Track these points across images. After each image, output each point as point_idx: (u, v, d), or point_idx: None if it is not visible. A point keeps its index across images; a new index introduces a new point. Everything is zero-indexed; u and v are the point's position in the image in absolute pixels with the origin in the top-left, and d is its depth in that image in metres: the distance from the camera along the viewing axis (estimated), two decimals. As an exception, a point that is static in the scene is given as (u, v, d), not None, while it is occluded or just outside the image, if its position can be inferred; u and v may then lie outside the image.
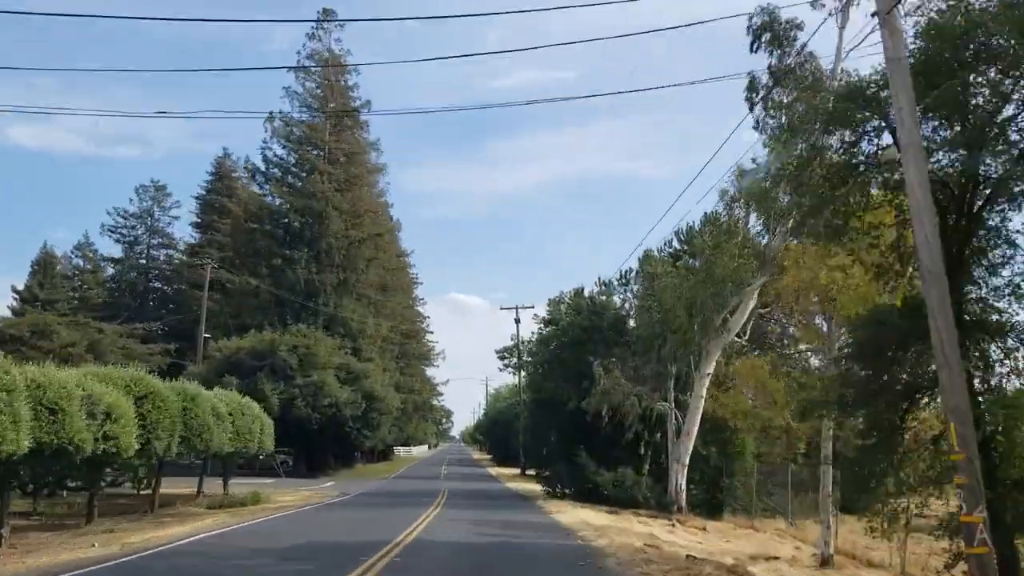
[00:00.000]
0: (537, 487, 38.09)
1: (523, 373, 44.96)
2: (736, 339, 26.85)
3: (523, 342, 36.88)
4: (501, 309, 64.90)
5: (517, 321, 60.62)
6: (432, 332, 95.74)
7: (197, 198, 63.42)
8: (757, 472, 28.12)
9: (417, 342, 75.10)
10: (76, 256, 62.03)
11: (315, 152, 58.08)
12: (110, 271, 63.46)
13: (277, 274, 54.92)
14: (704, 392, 26.56)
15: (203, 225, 63.87)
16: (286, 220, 56.21)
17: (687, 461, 26.86)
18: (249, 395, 47.09)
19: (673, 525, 24.45)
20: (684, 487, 26.90)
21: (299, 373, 47.83)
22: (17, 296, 56.48)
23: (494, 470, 68.57)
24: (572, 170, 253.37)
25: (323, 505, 28.07)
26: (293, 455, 53.24)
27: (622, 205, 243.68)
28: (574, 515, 23.63)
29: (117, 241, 63.30)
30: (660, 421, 29.00)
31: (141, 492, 29.93)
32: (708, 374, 26.53)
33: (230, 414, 27.86)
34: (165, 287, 64.53)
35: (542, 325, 33.68)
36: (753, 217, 27.40)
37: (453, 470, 66.37)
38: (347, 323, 56.53)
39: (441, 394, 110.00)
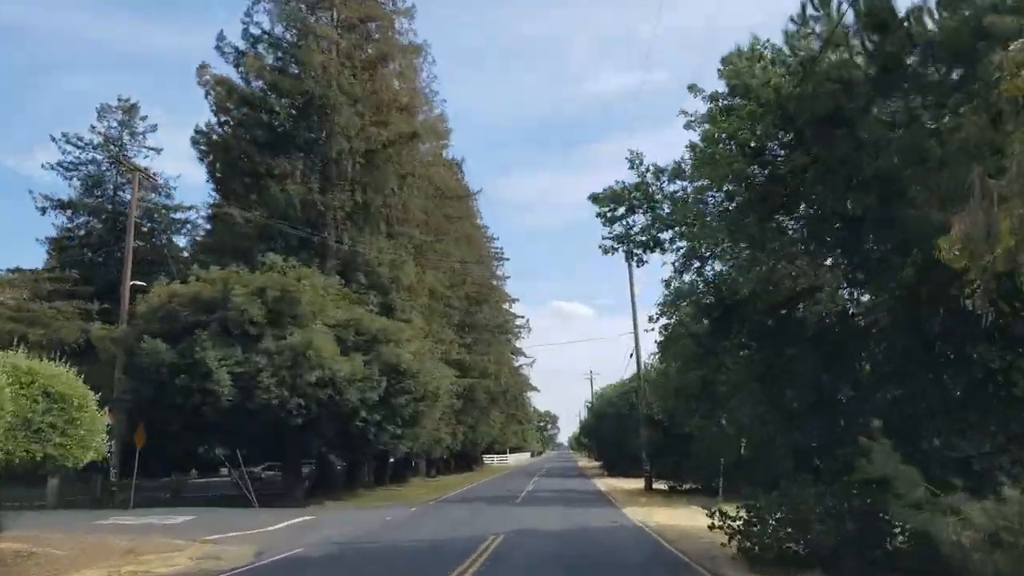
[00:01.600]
0: (690, 522, 17.93)
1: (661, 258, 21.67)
2: None
3: (655, 174, 16.07)
4: (602, 241, 43.81)
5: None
6: (524, 321, 76.12)
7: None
8: None
9: (491, 308, 54.84)
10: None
11: (315, 17, 39.01)
12: (63, 220, 46.10)
13: (261, 195, 36.10)
14: None
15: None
16: (272, 113, 37.31)
17: None
18: (183, 370, 28.66)
19: None
20: None
21: (268, 331, 28.70)
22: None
23: (603, 483, 47.84)
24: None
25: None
26: (282, 469, 34.49)
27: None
28: None
29: (69, 180, 46.02)
30: None
31: None
32: None
33: None
34: (138, 241, 46.72)
35: (711, 108, 12.32)
36: None
37: (545, 484, 46.09)
38: (372, 268, 37.20)
39: (535, 389, 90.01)
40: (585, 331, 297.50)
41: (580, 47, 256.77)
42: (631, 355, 40.29)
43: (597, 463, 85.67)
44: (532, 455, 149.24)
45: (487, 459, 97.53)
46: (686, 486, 38.14)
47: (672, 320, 32.01)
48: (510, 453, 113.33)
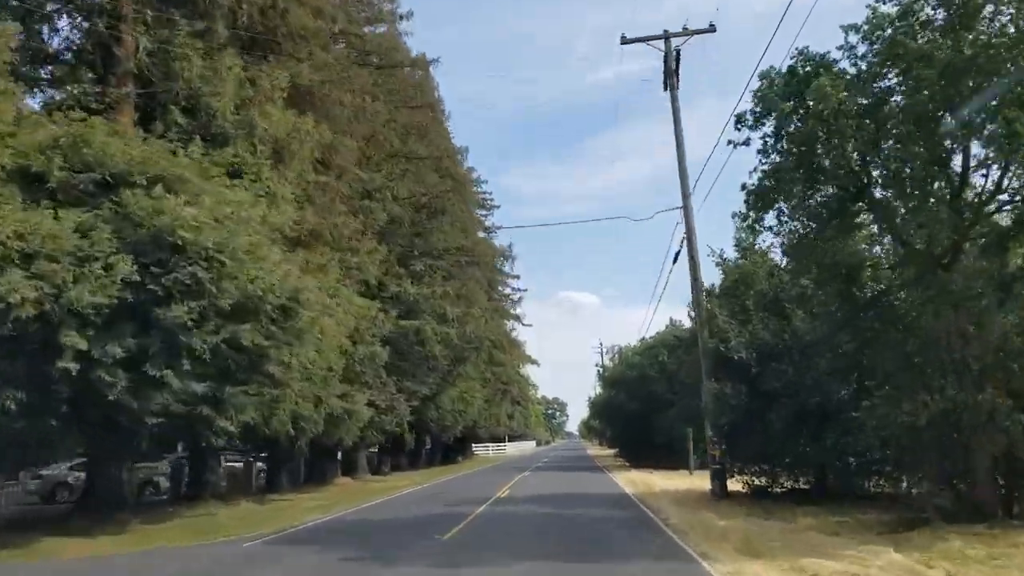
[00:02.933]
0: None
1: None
2: None
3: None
4: (623, 43, 27.81)
5: (674, 61, 22.66)
6: (508, 248, 58.40)
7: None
8: None
9: (453, 227, 36.67)
10: None
11: None
12: None
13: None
14: None
15: None
16: None
17: None
18: None
19: None
20: None
21: None
22: None
23: (628, 480, 30.30)
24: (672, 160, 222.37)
25: None
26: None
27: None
28: None
29: None
30: None
31: None
32: None
33: None
34: None
35: None
36: None
37: (533, 486, 28.74)
38: (201, 99, 20.05)
39: (534, 361, 72.22)
40: (592, 321, 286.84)
41: (585, 43, 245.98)
42: (678, 253, 22.66)
43: (611, 451, 68.11)
44: (538, 444, 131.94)
45: (481, 449, 79.79)
46: (785, 485, 20.75)
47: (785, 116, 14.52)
48: (510, 441, 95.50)
